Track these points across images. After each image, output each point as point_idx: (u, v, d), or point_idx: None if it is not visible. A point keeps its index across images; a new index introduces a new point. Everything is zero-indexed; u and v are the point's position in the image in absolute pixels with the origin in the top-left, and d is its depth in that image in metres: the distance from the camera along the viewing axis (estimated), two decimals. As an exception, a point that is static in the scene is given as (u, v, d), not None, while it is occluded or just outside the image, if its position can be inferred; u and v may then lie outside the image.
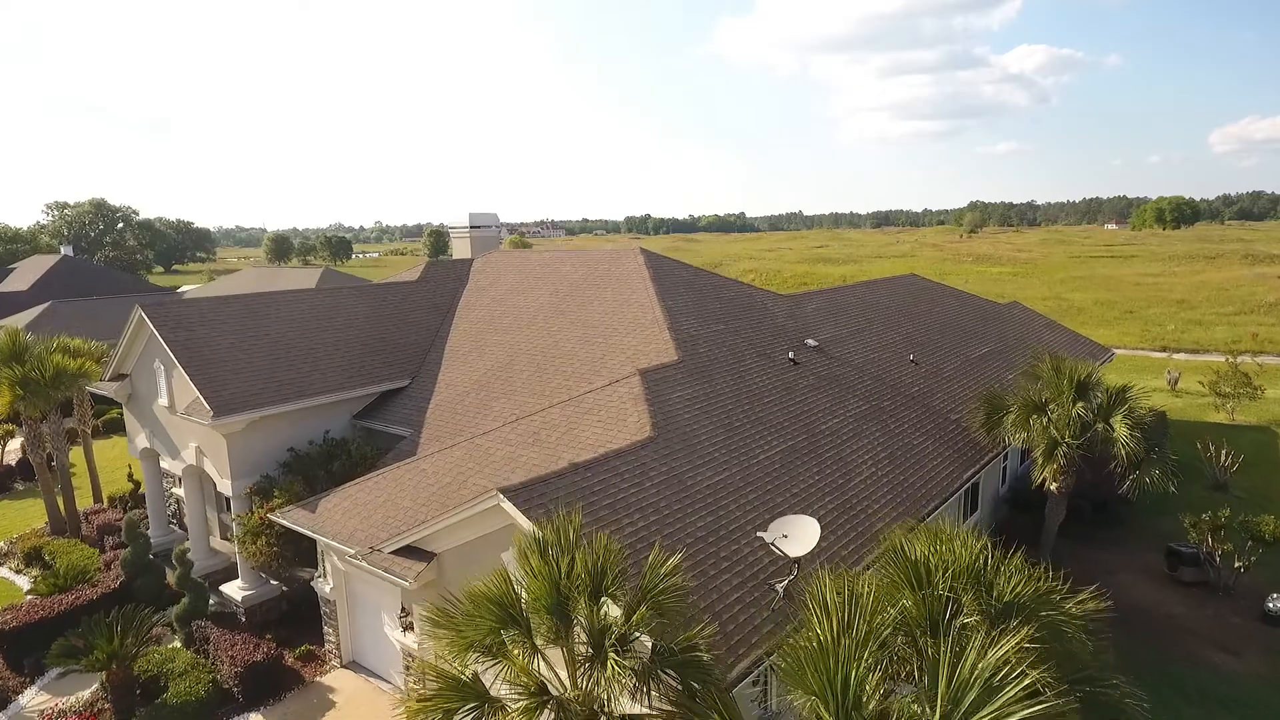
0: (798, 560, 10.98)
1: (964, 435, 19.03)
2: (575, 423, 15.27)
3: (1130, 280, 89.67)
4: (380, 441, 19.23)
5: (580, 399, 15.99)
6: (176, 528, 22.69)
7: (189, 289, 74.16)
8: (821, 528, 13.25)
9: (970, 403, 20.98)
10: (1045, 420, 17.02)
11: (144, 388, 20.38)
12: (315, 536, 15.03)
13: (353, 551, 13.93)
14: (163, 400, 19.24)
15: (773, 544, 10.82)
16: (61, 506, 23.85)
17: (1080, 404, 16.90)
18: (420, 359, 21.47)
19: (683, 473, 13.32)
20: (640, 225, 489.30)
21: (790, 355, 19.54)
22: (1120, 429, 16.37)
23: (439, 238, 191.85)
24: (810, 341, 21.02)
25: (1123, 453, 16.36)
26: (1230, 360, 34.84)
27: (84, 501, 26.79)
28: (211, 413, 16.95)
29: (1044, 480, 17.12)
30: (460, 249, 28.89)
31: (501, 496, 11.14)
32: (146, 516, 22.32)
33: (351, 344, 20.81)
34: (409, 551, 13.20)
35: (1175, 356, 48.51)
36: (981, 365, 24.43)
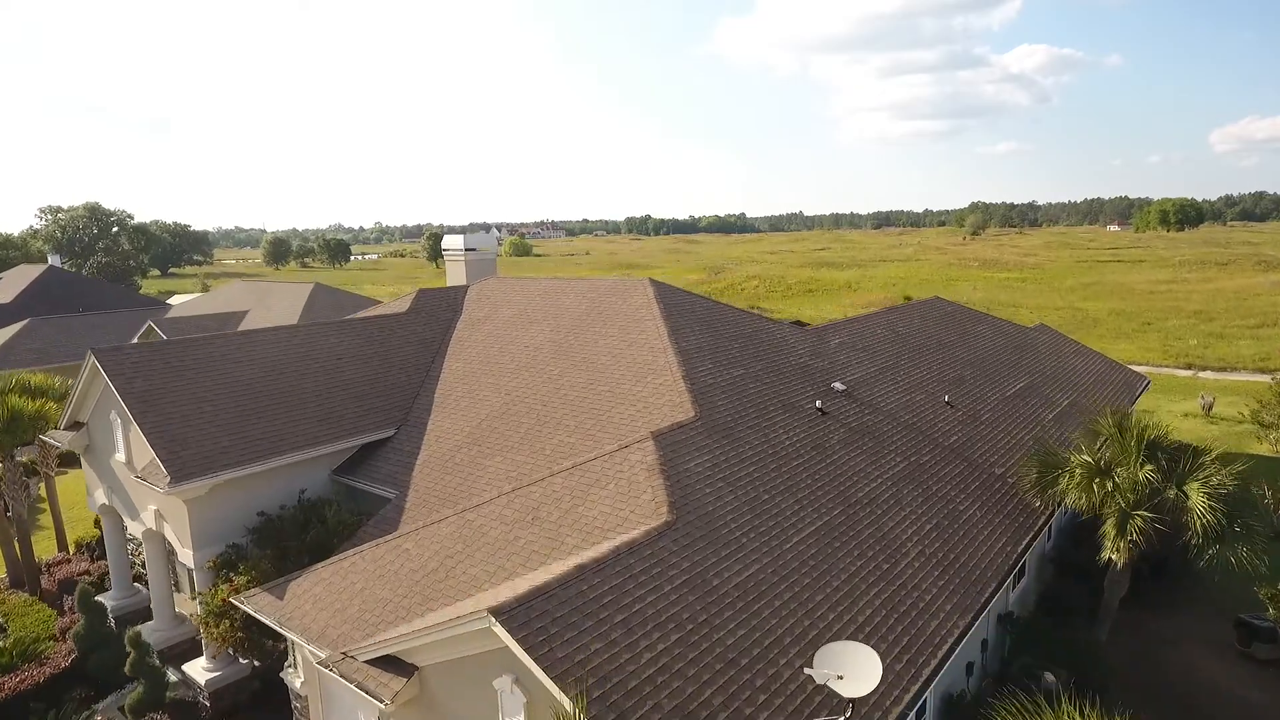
0: (853, 701, 9.06)
1: (1011, 494, 17.09)
2: (581, 497, 13.33)
3: (1143, 288, 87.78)
4: (362, 502, 17.30)
5: (586, 466, 14.04)
6: (142, 587, 20.75)
7: (181, 299, 72.25)
8: (870, 632, 11.37)
9: (1013, 453, 19.08)
10: (1110, 485, 15.07)
11: (101, 439, 18.45)
12: (282, 631, 13.08)
13: (323, 656, 11.99)
14: (120, 455, 17.30)
15: (826, 684, 8.91)
16: (19, 552, 21.96)
17: (1149, 467, 14.95)
18: (408, 404, 19.52)
19: (707, 568, 11.38)
20: (640, 226, 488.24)
21: (818, 404, 17.60)
22: (1196, 497, 14.42)
23: (437, 240, 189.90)
24: (838, 385, 19.08)
25: (1198, 524, 14.43)
26: (1275, 383, 32.81)
27: (47, 547, 24.90)
28: (168, 478, 15.00)
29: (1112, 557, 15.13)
30: (454, 273, 26.94)
31: (492, 619, 9.19)
32: (107, 573, 20.39)
33: (332, 390, 18.86)
34: (387, 662, 11.26)
35: (1202, 375, 46.60)
36: (1019, 405, 22.49)
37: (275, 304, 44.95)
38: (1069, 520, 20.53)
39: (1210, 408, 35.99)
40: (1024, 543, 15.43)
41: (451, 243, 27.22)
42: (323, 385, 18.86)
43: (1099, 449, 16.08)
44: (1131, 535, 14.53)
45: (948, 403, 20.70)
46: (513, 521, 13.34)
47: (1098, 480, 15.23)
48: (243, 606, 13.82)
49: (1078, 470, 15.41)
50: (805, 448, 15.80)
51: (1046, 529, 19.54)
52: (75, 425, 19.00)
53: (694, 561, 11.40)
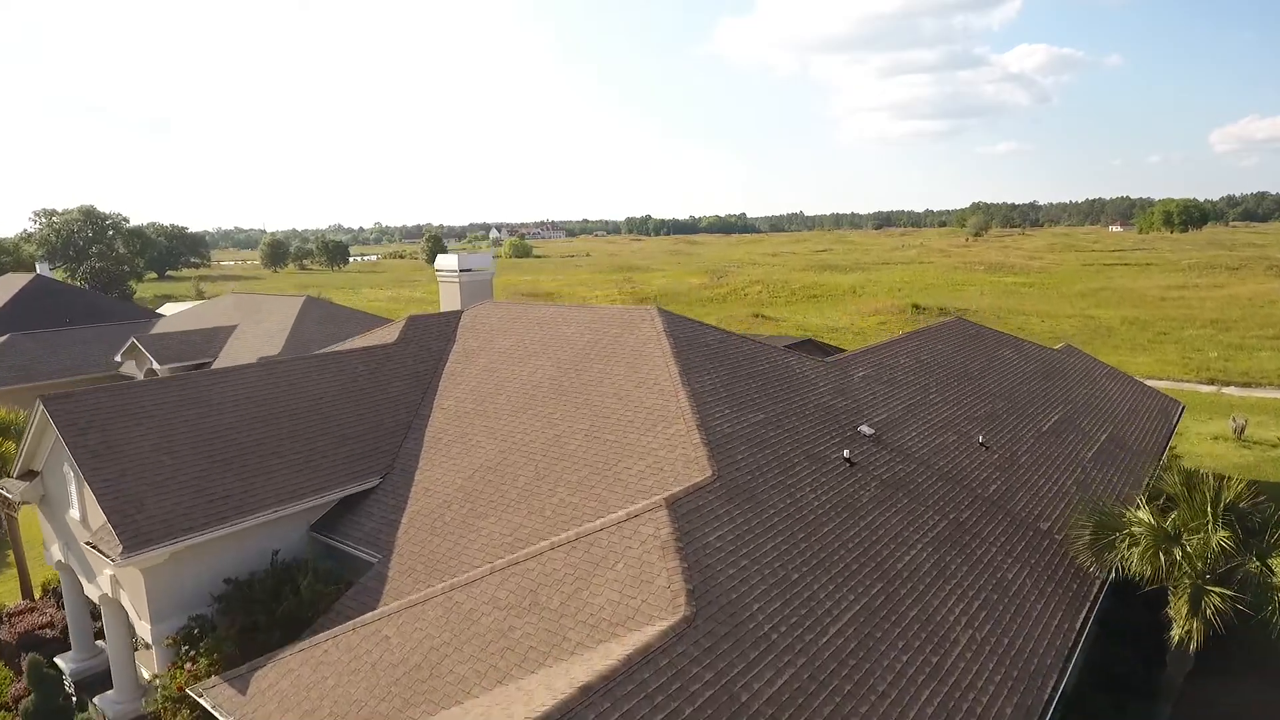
0: None
1: (1060, 555, 15.43)
2: (585, 578, 11.68)
3: (1154, 294, 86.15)
4: (342, 562, 15.65)
5: (591, 538, 12.38)
6: (106, 644, 19.08)
7: (175, 308, 70.67)
8: (924, 753, 9.69)
9: (1057, 503, 17.44)
10: (1179, 554, 13.41)
11: (56, 490, 16.80)
12: (241, 735, 11.43)
13: (286, 774, 10.37)
14: (75, 512, 15.67)
15: None
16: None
17: (1224, 533, 13.29)
18: (395, 449, 17.86)
19: (733, 678, 9.72)
20: (641, 226, 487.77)
21: (845, 454, 15.94)
22: (1284, 573, 12.77)
23: (437, 241, 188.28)
24: (865, 429, 17.42)
25: (1283, 601, 12.78)
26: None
27: (10, 590, 23.27)
28: (120, 547, 13.35)
29: (1183, 636, 13.47)
30: (448, 296, 25.28)
31: (481, 771, 7.56)
32: (66, 641, 18.73)
33: (312, 434, 17.20)
34: (358, 789, 9.64)
35: (1226, 391, 44.93)
36: (1056, 442, 20.83)
37: (265, 318, 43.33)
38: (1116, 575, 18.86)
39: (1242, 430, 34.32)
40: (1081, 617, 13.76)
41: (445, 263, 25.55)
42: (301, 429, 17.21)
43: (1162, 504, 14.46)
44: (1207, 614, 12.87)
45: (982, 444, 19.06)
46: (507, 606, 11.69)
47: (1164, 548, 13.57)
48: (200, 701, 12.17)
49: (1143, 537, 13.73)
50: (836, 509, 14.15)
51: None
52: (29, 474, 17.36)
53: (718, 671, 9.74)
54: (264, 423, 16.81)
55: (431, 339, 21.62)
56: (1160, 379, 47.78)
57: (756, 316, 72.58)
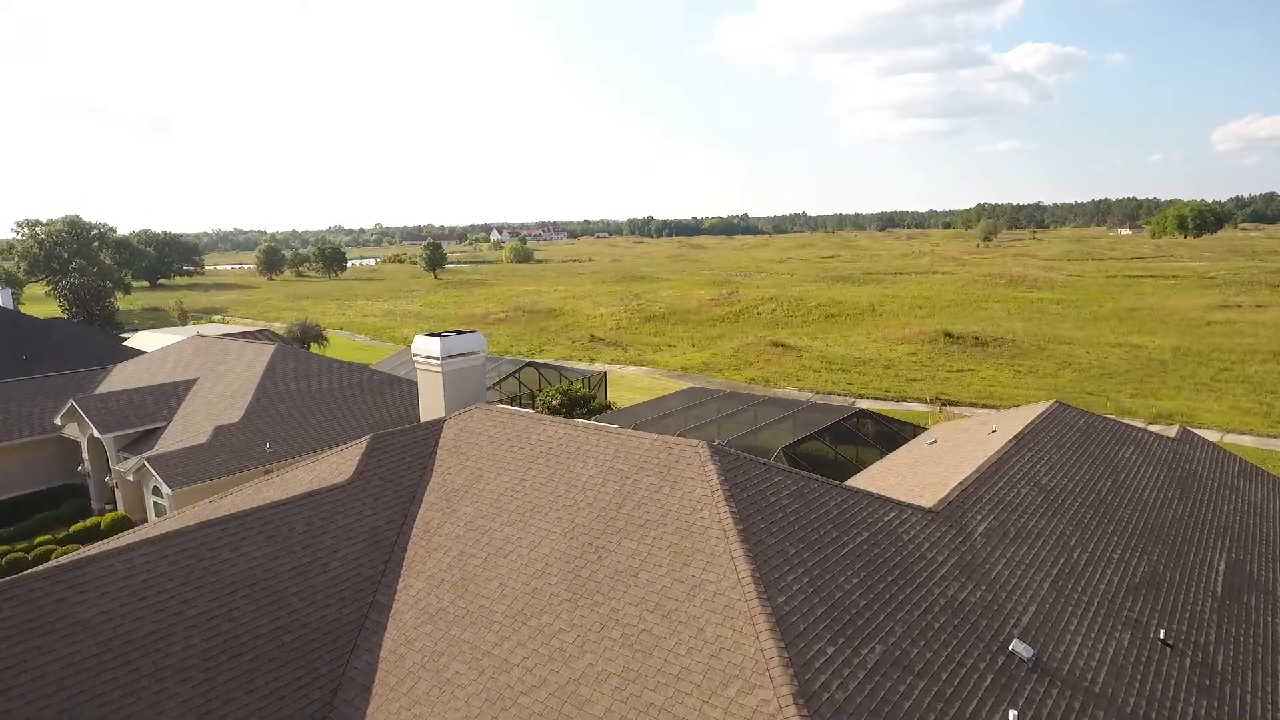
0: None
1: None
2: None
3: (1198, 317, 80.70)
4: None
5: None
6: None
7: (146, 339, 65.49)
8: None
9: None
10: None
11: None
12: None
13: None
14: None
15: None
16: None
17: None
18: (337, 674, 12.43)
19: None
20: (643, 227, 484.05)
21: (1011, 717, 10.55)
22: None
23: (436, 248, 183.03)
24: (1019, 648, 12.00)
25: None
26: None
27: None
28: None
29: None
30: (428, 393, 19.91)
31: None
32: None
33: (212, 659, 11.79)
34: None
35: (1325, 452, 39.46)
36: (1239, 616, 15.45)
37: (229, 370, 37.93)
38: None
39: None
40: None
41: (424, 347, 20.14)
42: (200, 650, 11.80)
43: None
44: None
45: (1164, 641, 13.67)
46: None
47: None
48: None
49: None
50: None
51: None
52: None
53: None
54: (141, 651, 11.40)
55: (401, 469, 16.23)
56: (1241, 433, 42.48)
57: (776, 346, 67.11)
